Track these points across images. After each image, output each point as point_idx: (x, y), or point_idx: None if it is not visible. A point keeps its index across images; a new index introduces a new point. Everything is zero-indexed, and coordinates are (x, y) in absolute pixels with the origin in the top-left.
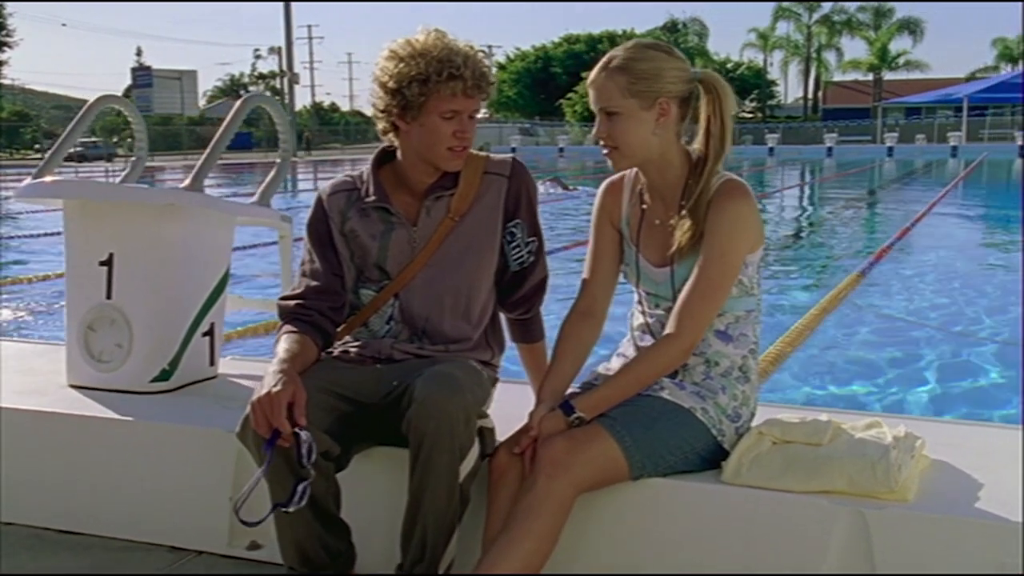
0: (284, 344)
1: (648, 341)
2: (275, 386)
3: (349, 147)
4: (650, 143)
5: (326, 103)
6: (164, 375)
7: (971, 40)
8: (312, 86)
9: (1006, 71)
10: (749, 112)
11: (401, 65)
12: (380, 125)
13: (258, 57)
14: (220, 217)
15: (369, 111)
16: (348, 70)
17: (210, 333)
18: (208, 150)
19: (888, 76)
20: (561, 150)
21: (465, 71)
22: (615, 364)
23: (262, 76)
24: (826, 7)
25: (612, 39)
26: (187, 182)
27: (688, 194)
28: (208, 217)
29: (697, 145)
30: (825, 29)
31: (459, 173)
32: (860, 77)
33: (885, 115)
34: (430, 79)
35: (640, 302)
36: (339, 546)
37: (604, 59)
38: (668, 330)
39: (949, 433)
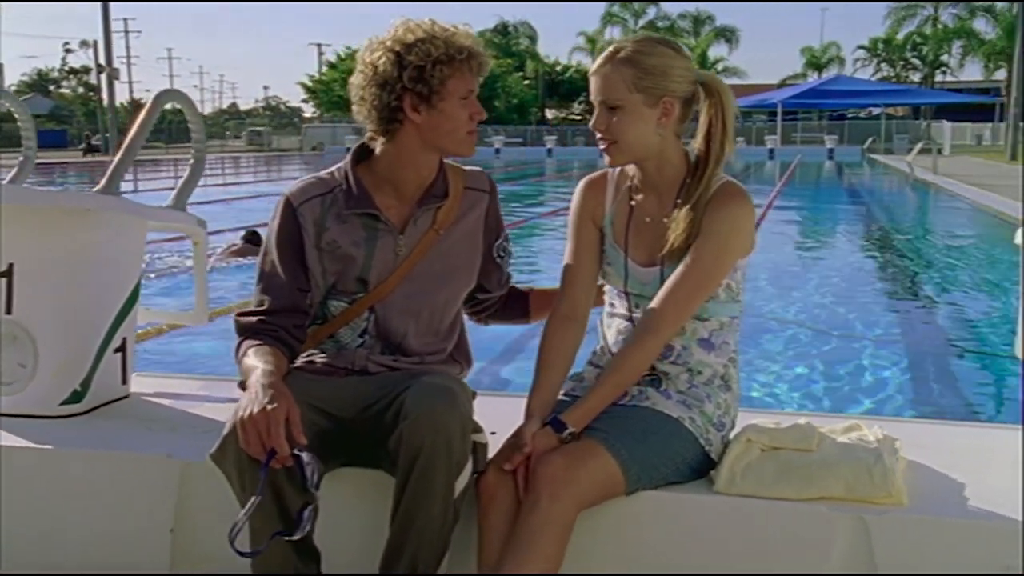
0: (257, 357)
1: (624, 345)
2: (268, 402)
3: (172, 146)
4: (650, 141)
5: (145, 100)
6: (75, 397)
7: (781, 49)
8: (130, 82)
9: (813, 78)
10: (578, 114)
11: (417, 51)
12: (373, 126)
13: (68, 51)
14: (133, 222)
15: (206, 108)
16: (168, 66)
17: (122, 349)
18: (123, 151)
19: None
20: None
21: (476, 48)
22: (591, 374)
23: (74, 71)
24: (651, 13)
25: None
26: (102, 184)
27: (687, 193)
28: (121, 222)
29: (696, 145)
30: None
31: (448, 183)
32: None
33: None
34: (454, 59)
35: (613, 304)
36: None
37: (610, 49)
38: (646, 323)
39: (914, 433)
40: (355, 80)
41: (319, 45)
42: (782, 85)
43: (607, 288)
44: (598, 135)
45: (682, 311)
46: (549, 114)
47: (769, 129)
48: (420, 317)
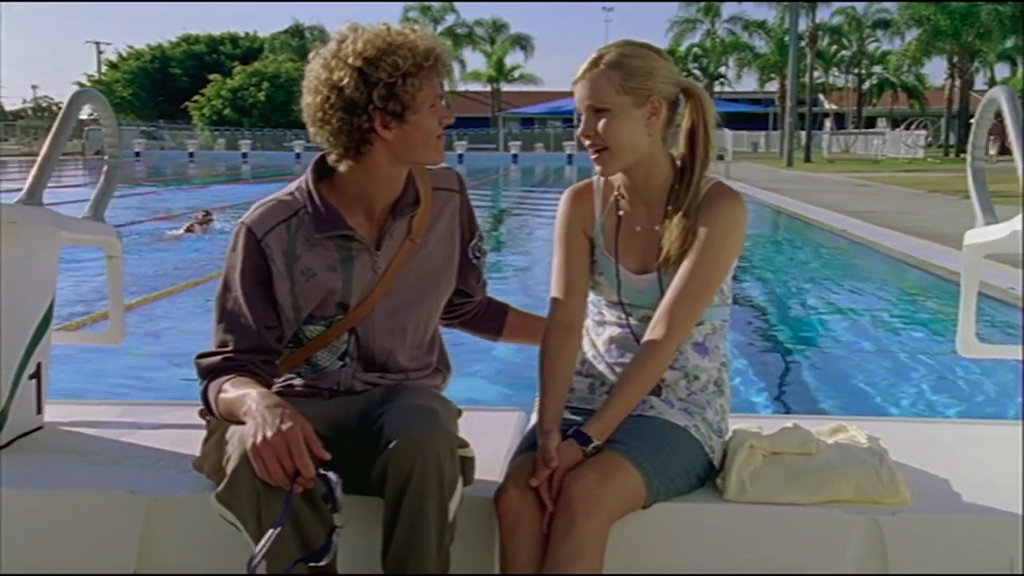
0: (242, 386)
1: (618, 355)
2: (282, 423)
3: None
4: (640, 143)
5: None
6: None
7: (574, 56)
8: None
9: None
10: None
11: (384, 66)
12: (340, 150)
13: None
14: (48, 235)
15: None
16: None
17: (37, 375)
18: (42, 157)
19: (505, 88)
20: (191, 155)
21: (439, 49)
22: (581, 384)
23: None
24: (450, 20)
25: (234, 40)
26: (23, 194)
27: (676, 199)
28: (36, 236)
29: (680, 150)
30: (449, 40)
31: (418, 189)
32: (481, 88)
33: (504, 125)
34: (422, 68)
35: (602, 313)
36: None
37: (593, 56)
38: (657, 330)
39: (884, 430)
40: (311, 100)
41: (97, 43)
42: None
43: (592, 298)
44: (587, 142)
45: (690, 315)
46: None
47: (567, 135)
48: (405, 333)
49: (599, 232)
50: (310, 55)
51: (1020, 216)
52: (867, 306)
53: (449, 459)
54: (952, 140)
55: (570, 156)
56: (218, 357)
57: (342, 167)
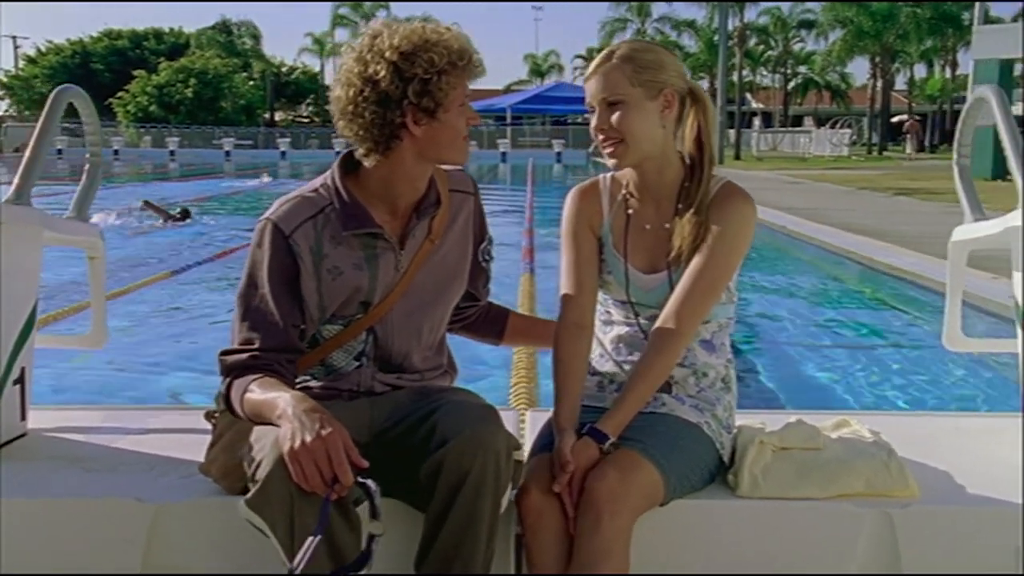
0: (272, 388)
1: (626, 353)
2: (322, 428)
3: None
4: (655, 136)
5: None
6: None
7: (504, 55)
8: None
9: (537, 84)
10: (306, 117)
11: (420, 62)
12: (369, 144)
13: None
14: (32, 236)
15: None
16: None
17: (21, 380)
18: (29, 156)
19: None
20: (116, 152)
21: (473, 50)
22: (591, 382)
23: None
24: (382, 16)
25: (159, 36)
26: (11, 194)
27: (687, 196)
28: (22, 237)
29: (687, 149)
30: None
31: (438, 191)
32: None
33: None
34: (456, 66)
35: (609, 312)
36: None
37: (604, 52)
38: (667, 326)
39: (887, 424)
40: (342, 93)
41: (14, 38)
42: (508, 90)
43: (599, 297)
44: (601, 136)
45: (699, 312)
46: (278, 116)
47: (500, 133)
48: (420, 334)
49: (607, 231)
50: (342, 48)
51: (1015, 212)
52: (809, 301)
53: (506, 459)
54: (875, 139)
55: (504, 154)
56: (244, 355)
57: (369, 162)
